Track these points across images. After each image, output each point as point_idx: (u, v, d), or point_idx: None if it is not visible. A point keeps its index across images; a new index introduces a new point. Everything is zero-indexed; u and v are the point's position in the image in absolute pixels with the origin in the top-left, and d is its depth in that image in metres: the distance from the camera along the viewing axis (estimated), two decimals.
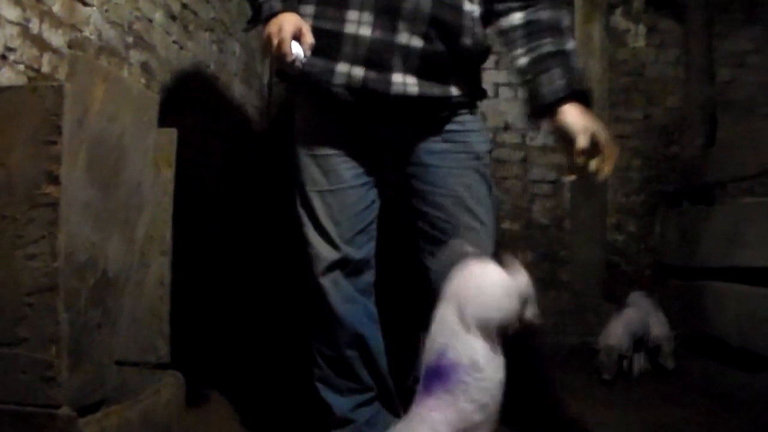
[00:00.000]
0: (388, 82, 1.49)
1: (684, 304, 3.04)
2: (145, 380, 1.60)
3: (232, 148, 3.07)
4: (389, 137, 1.59)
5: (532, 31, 1.56)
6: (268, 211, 3.36)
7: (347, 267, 1.60)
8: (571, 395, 2.51)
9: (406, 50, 1.48)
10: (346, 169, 1.58)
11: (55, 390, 1.23)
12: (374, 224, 1.65)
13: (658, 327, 2.92)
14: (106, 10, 1.92)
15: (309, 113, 1.62)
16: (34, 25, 1.59)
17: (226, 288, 2.90)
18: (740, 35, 3.73)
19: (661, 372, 2.90)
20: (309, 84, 1.54)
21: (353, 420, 1.63)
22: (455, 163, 1.57)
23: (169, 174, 1.71)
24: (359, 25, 1.48)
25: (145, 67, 2.19)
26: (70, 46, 1.72)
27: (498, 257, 1.34)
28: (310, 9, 1.51)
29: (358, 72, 1.49)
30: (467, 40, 1.53)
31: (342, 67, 1.49)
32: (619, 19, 3.80)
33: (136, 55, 2.12)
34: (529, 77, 1.55)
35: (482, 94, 1.66)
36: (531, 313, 1.31)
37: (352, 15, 1.48)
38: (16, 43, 1.52)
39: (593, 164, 1.49)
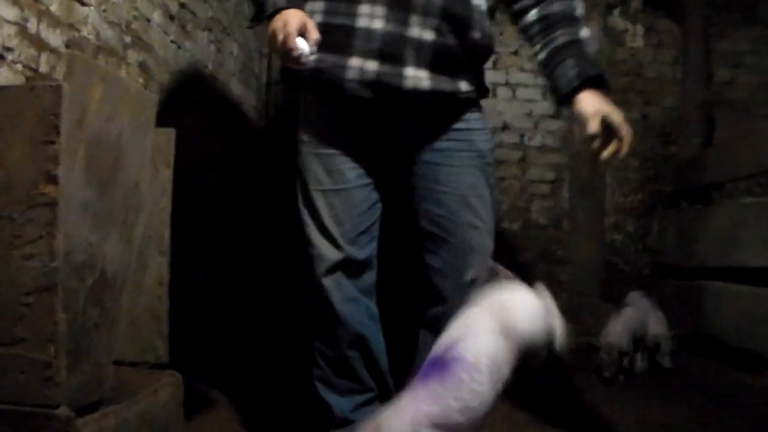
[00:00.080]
0: (401, 76, 1.49)
1: (682, 304, 3.05)
2: (143, 380, 1.60)
3: (231, 147, 3.07)
4: (396, 134, 1.59)
5: (546, 25, 1.59)
6: (267, 210, 3.36)
7: (350, 267, 1.60)
8: (570, 395, 2.51)
9: (419, 43, 1.48)
10: (350, 168, 1.58)
11: (53, 390, 1.22)
12: (377, 224, 1.65)
13: (657, 326, 2.92)
14: (104, 10, 1.92)
15: (315, 112, 1.61)
16: (32, 25, 1.58)
17: (225, 288, 2.90)
18: (738, 36, 3.74)
19: (660, 371, 2.90)
20: (319, 80, 1.53)
21: (353, 420, 1.63)
22: (459, 162, 1.58)
23: (167, 174, 1.70)
24: (371, 18, 1.48)
25: (143, 66, 2.18)
26: (67, 45, 1.72)
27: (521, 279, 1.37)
28: (319, 5, 1.51)
29: (372, 66, 1.48)
30: (476, 34, 1.54)
31: (355, 62, 1.48)
32: (617, 19, 3.81)
33: (134, 55, 2.12)
34: (547, 71, 1.59)
35: (486, 92, 1.67)
36: (558, 344, 1.32)
37: (364, 9, 1.48)
38: (13, 42, 1.52)
39: (611, 147, 1.50)
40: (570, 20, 1.59)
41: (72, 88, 1.26)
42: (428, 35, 1.49)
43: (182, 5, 2.49)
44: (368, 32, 1.48)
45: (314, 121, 1.60)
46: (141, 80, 2.16)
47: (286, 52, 1.36)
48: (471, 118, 1.61)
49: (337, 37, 1.47)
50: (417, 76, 1.49)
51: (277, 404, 2.23)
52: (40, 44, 1.62)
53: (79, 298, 1.38)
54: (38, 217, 1.23)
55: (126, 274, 1.60)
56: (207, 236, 2.67)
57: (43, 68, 1.63)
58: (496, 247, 1.64)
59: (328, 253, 1.58)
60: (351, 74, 1.49)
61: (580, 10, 1.62)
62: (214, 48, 2.86)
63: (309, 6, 1.50)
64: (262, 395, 2.30)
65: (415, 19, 1.48)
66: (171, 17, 2.41)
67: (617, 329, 2.80)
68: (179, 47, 2.48)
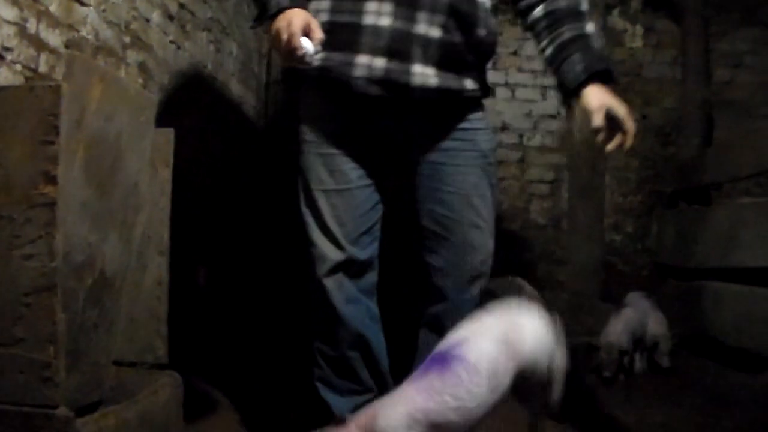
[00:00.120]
0: (409, 73, 1.49)
1: (681, 304, 3.05)
2: (142, 380, 1.60)
3: (230, 147, 3.07)
4: (401, 133, 1.59)
5: (552, 21, 1.60)
6: (266, 210, 3.36)
7: (352, 268, 1.60)
8: (570, 395, 2.51)
9: (426, 40, 1.49)
10: (352, 169, 1.58)
11: (52, 390, 1.22)
12: (378, 225, 1.65)
13: (657, 327, 2.92)
14: (104, 10, 1.92)
15: (319, 111, 1.61)
16: (32, 25, 1.58)
17: (224, 288, 2.89)
18: (737, 36, 3.74)
19: (659, 371, 2.90)
20: (325, 79, 1.53)
21: None
22: (463, 161, 1.58)
23: (166, 174, 1.70)
24: (379, 15, 1.48)
25: (142, 67, 2.18)
26: (67, 46, 1.72)
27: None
28: (325, 3, 1.51)
29: (380, 63, 1.48)
30: (482, 31, 1.55)
31: (362, 59, 1.48)
32: (616, 20, 3.80)
33: (133, 55, 2.12)
34: (554, 66, 1.60)
35: (488, 92, 1.68)
36: (555, 375, 1.35)
37: (371, 6, 1.48)
38: (13, 42, 1.52)
39: (615, 141, 1.52)
40: (576, 15, 1.60)
41: (71, 89, 1.26)
42: (435, 32, 1.49)
43: (181, 5, 2.49)
44: (376, 29, 1.47)
45: (318, 121, 1.60)
46: (140, 80, 2.16)
47: (290, 51, 1.36)
48: (475, 118, 1.61)
49: (343, 35, 1.47)
50: (425, 73, 1.50)
51: (277, 404, 2.22)
52: (39, 44, 1.61)
53: (79, 298, 1.38)
54: (37, 218, 1.23)
55: (125, 274, 1.59)
56: (206, 236, 2.67)
57: (43, 68, 1.63)
58: (495, 248, 1.64)
59: (330, 253, 1.58)
60: (359, 72, 1.49)
61: (585, 5, 1.64)
62: (214, 48, 2.86)
63: (314, 5, 1.50)
64: (261, 395, 2.30)
65: (422, 16, 1.48)
66: (170, 17, 2.41)
67: (617, 329, 2.80)
68: (178, 47, 2.48)
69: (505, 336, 1.27)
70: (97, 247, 1.43)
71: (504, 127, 3.80)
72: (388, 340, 1.69)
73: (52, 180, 1.23)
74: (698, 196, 3.21)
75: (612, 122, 1.51)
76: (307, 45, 1.35)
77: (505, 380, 1.25)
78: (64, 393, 1.25)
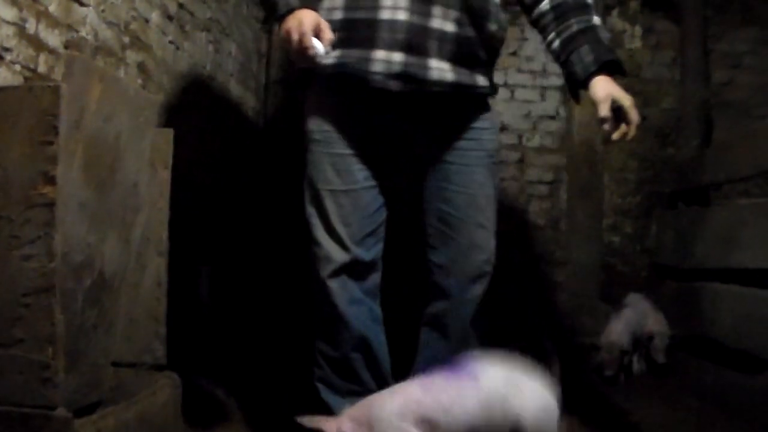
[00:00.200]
0: (426, 67, 1.49)
1: (680, 305, 3.05)
2: (141, 381, 1.60)
3: (229, 148, 3.06)
4: (413, 131, 1.59)
5: (559, 14, 1.61)
6: (266, 210, 3.36)
7: (356, 269, 1.60)
8: (568, 396, 2.51)
9: (441, 35, 1.49)
10: (359, 170, 1.58)
11: (51, 391, 1.22)
12: (383, 227, 1.65)
13: (657, 327, 2.93)
14: (103, 10, 1.91)
15: (330, 110, 1.60)
16: (31, 25, 1.58)
17: (224, 288, 2.89)
18: (736, 36, 3.73)
19: (656, 372, 2.91)
20: (340, 77, 1.53)
21: None
22: (469, 161, 1.59)
23: (165, 174, 1.70)
24: (395, 10, 1.48)
25: (141, 67, 2.18)
26: (66, 46, 1.72)
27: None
28: (339, 1, 1.51)
29: (398, 57, 1.48)
30: (493, 26, 1.56)
31: (380, 54, 1.48)
32: (615, 20, 3.80)
33: (132, 56, 2.12)
34: (562, 59, 1.61)
35: (495, 90, 1.68)
36: None
37: (387, 1, 1.48)
38: (12, 43, 1.52)
39: (619, 131, 1.54)
40: (582, 8, 1.61)
41: (70, 89, 1.26)
42: (450, 27, 1.50)
43: (181, 6, 2.49)
44: (392, 24, 1.48)
45: (328, 121, 1.59)
46: (139, 81, 2.16)
47: (301, 51, 1.36)
48: (482, 117, 1.62)
49: (360, 31, 1.48)
50: (441, 68, 1.50)
51: (276, 404, 2.22)
52: (38, 45, 1.61)
53: (77, 298, 1.37)
54: (36, 218, 1.23)
55: (124, 274, 1.59)
56: (206, 237, 2.67)
57: (42, 69, 1.62)
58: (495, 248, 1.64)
59: (335, 254, 1.57)
60: (377, 67, 1.48)
61: None
62: (213, 48, 2.85)
63: (327, 2, 1.51)
64: (261, 396, 2.30)
65: (437, 10, 1.49)
66: (169, 18, 2.40)
67: (618, 328, 2.81)
68: (178, 48, 2.48)
69: (508, 392, 1.27)
70: (96, 248, 1.43)
71: (503, 128, 3.79)
72: (389, 340, 1.69)
73: (50, 180, 1.23)
74: (697, 197, 3.21)
75: (617, 113, 1.52)
76: (317, 45, 1.36)
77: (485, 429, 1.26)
78: (63, 394, 1.25)
